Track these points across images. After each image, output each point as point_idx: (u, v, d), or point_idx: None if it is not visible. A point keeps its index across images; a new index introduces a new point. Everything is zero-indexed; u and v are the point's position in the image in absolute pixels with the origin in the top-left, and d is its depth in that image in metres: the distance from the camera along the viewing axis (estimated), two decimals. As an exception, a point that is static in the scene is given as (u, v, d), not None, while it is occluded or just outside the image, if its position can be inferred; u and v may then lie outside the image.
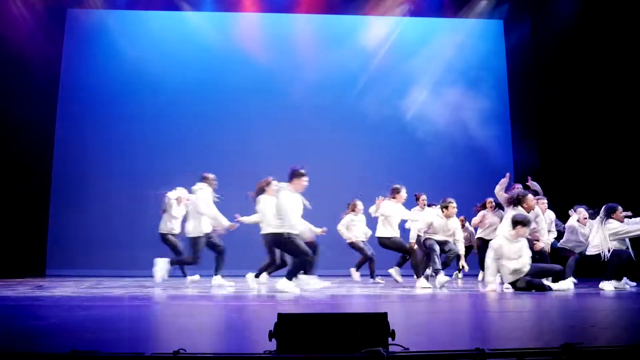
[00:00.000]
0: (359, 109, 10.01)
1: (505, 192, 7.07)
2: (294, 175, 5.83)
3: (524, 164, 9.72)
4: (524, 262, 5.78)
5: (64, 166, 9.74)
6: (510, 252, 5.80)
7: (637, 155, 8.16)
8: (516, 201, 6.43)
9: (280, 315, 2.10)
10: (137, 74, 9.89)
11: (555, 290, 5.69)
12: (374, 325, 2.11)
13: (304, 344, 2.07)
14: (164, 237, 7.27)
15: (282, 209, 5.67)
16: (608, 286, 5.82)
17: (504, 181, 7.30)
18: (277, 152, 9.97)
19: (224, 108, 10.12)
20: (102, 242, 9.45)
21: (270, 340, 2.07)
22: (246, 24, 10.42)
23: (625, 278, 6.06)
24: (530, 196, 6.48)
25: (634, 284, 6.12)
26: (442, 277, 6.31)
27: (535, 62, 10.07)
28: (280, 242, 5.78)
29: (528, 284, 5.71)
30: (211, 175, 6.83)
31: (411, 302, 4.85)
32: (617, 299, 5.00)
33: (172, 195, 7.18)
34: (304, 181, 5.85)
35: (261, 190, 6.60)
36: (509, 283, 5.84)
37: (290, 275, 5.75)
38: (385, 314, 2.14)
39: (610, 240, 5.93)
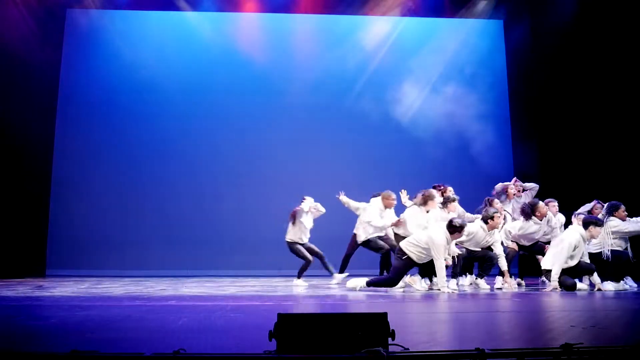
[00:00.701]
0: (358, 109, 10.00)
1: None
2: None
3: (523, 164, 9.71)
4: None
5: (64, 166, 9.72)
6: (581, 250, 5.87)
7: (638, 155, 8.15)
8: (529, 212, 6.41)
9: (280, 315, 2.10)
10: (136, 73, 9.86)
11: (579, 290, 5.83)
12: (374, 325, 2.12)
13: (304, 344, 2.07)
14: (292, 246, 7.10)
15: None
16: (608, 286, 5.83)
17: (507, 184, 7.32)
18: (277, 152, 9.98)
19: (224, 108, 10.10)
20: (102, 242, 9.44)
21: (270, 340, 2.07)
22: (246, 24, 10.40)
23: (626, 279, 6.05)
24: (541, 204, 6.43)
25: (635, 284, 6.11)
26: (452, 284, 6.26)
27: (535, 62, 10.06)
28: None
29: (569, 282, 5.79)
30: (384, 194, 6.97)
31: (411, 302, 4.86)
32: (617, 299, 5.01)
33: (305, 206, 7.08)
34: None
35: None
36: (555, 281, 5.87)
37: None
38: (385, 314, 2.15)
39: (612, 239, 5.94)
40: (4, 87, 8.66)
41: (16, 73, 8.84)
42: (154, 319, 3.55)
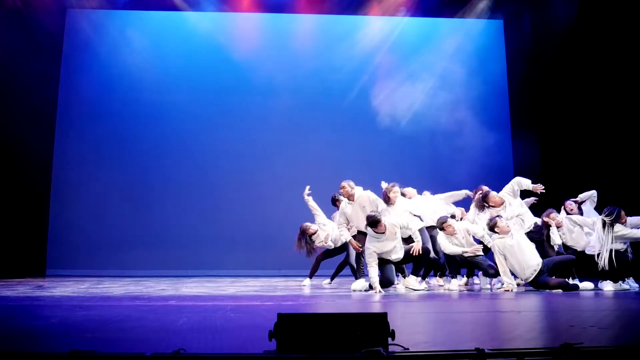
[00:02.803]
0: (357, 109, 10.02)
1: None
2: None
3: (523, 164, 9.71)
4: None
5: (64, 166, 9.73)
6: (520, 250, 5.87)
7: (638, 154, 8.14)
8: (482, 203, 6.43)
9: (280, 315, 2.10)
10: (136, 73, 9.87)
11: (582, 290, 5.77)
12: (374, 325, 2.12)
13: (304, 344, 2.07)
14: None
15: None
16: (607, 286, 5.82)
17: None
18: (276, 151, 9.99)
19: (223, 108, 10.11)
20: (102, 242, 9.45)
21: (270, 340, 2.07)
22: (246, 24, 10.40)
23: (628, 279, 6.03)
24: (492, 193, 6.45)
25: (637, 285, 6.10)
26: (454, 284, 6.25)
27: (535, 61, 10.06)
28: None
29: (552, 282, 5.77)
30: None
31: (411, 302, 4.85)
32: (617, 299, 5.00)
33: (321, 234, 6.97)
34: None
35: None
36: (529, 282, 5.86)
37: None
38: (385, 314, 2.15)
39: (616, 242, 5.93)
40: (4, 88, 8.66)
41: (16, 73, 8.83)
42: (154, 319, 3.55)
